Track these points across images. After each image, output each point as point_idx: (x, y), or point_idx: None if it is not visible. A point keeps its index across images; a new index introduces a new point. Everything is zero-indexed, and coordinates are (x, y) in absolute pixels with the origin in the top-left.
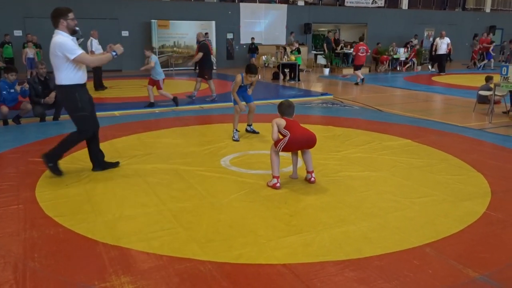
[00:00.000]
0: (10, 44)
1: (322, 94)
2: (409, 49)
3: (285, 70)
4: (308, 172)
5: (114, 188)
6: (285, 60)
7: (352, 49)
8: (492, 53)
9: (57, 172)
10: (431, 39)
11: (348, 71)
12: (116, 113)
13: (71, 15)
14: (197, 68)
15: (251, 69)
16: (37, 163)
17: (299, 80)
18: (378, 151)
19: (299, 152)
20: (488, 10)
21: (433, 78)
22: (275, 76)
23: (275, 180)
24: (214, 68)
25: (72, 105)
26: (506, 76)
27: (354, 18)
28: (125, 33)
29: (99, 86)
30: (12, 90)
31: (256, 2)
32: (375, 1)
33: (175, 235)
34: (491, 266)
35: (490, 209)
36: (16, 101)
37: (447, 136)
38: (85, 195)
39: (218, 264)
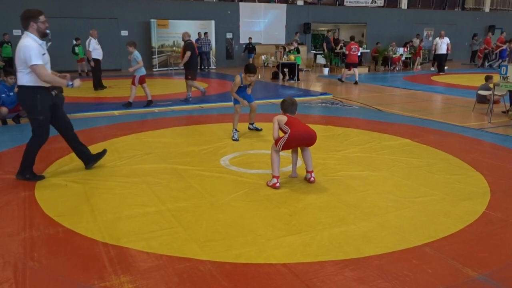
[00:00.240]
0: (9, 44)
1: (322, 94)
2: (408, 48)
3: (285, 69)
4: (307, 171)
5: (114, 188)
6: (284, 59)
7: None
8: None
9: (38, 178)
10: (430, 38)
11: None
12: (116, 112)
13: (42, 18)
14: (184, 67)
15: (250, 69)
16: (37, 163)
17: (298, 79)
18: (378, 150)
19: (299, 151)
20: (487, 9)
21: (433, 78)
22: (275, 76)
23: (274, 180)
24: (213, 67)
25: (31, 106)
26: (505, 76)
27: (353, 18)
28: (124, 33)
29: (98, 85)
30: (11, 93)
31: (255, 2)
32: (375, 1)
33: (174, 235)
34: (490, 265)
35: (489, 208)
36: (15, 103)
37: (447, 135)
38: (85, 195)
39: (218, 264)
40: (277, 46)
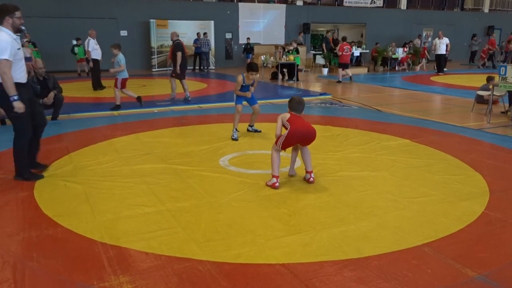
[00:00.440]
0: None
1: (321, 94)
2: (408, 49)
3: (284, 70)
4: (307, 172)
5: (113, 188)
6: (283, 60)
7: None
8: None
9: (36, 178)
10: (429, 39)
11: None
12: (115, 112)
13: (18, 14)
14: (172, 66)
15: (252, 67)
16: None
17: (297, 80)
18: (377, 151)
19: (299, 151)
20: (486, 10)
21: (432, 78)
22: (274, 76)
23: (274, 180)
24: (212, 68)
25: (8, 103)
26: (504, 76)
27: (352, 18)
28: (123, 33)
29: (97, 85)
30: None
31: (254, 2)
32: (374, 1)
33: (173, 235)
34: (489, 265)
35: (488, 208)
36: None
37: (446, 136)
38: (84, 195)
39: (217, 264)
40: (276, 46)
